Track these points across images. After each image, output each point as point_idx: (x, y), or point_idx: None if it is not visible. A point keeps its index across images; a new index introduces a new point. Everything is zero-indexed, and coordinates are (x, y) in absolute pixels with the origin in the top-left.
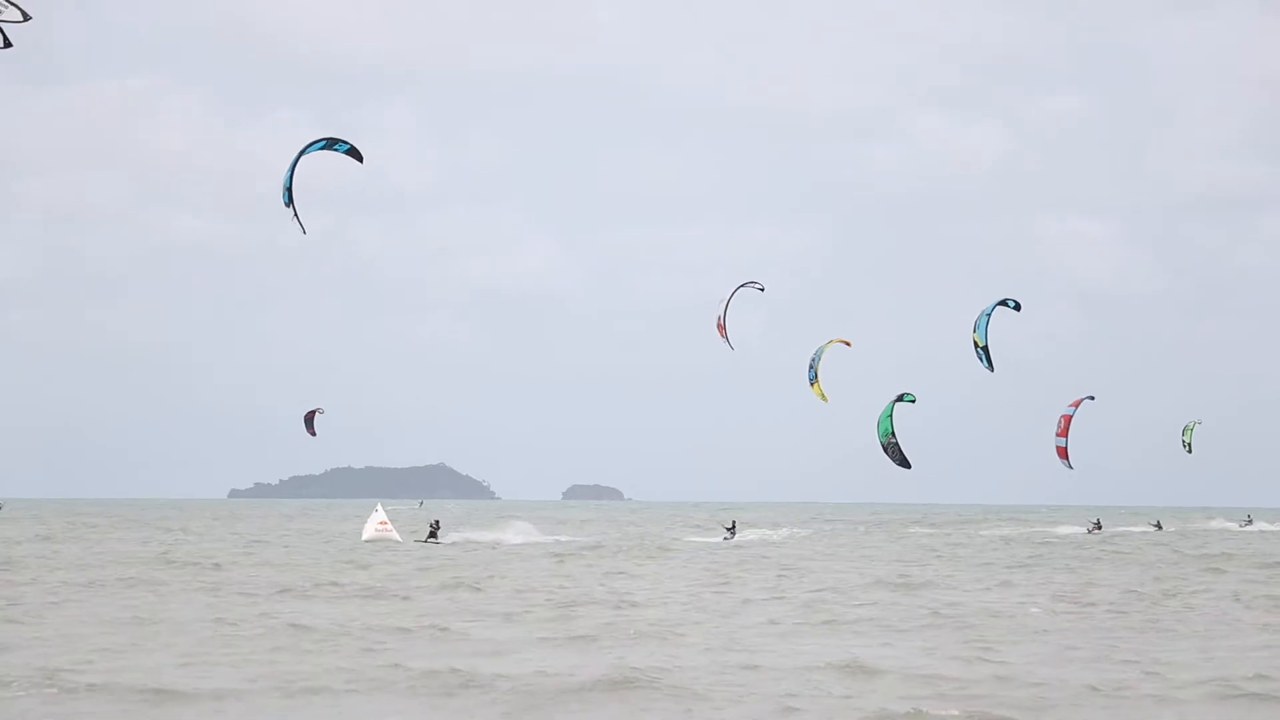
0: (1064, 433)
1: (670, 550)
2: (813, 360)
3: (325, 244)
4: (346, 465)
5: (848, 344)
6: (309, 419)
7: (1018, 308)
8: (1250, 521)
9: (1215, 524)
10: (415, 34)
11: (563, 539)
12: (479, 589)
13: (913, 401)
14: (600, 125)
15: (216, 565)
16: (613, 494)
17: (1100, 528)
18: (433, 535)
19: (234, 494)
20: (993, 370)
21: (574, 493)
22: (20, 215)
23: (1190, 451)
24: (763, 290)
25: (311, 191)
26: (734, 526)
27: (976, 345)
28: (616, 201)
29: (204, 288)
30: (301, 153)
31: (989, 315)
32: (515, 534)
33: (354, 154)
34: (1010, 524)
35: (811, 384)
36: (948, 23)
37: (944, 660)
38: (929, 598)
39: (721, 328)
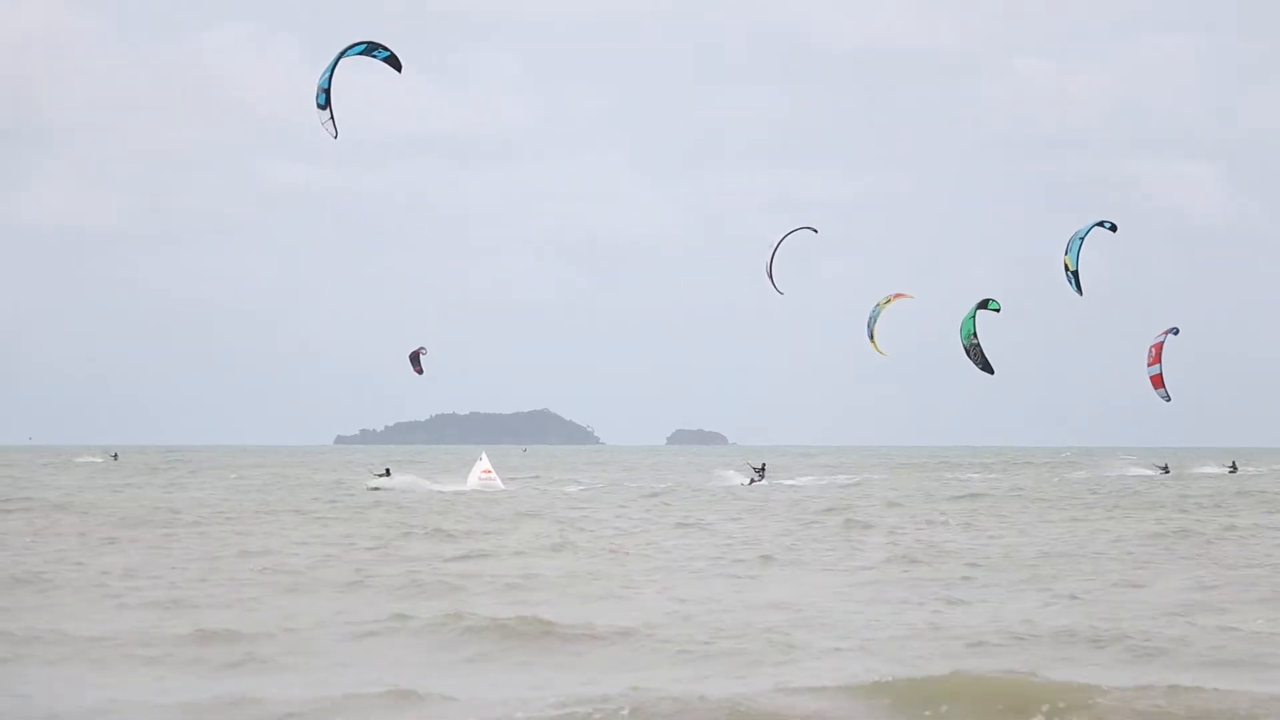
0: (1156, 360)
1: (660, 500)
2: (872, 316)
3: (425, 191)
4: (451, 411)
5: (909, 297)
6: (414, 357)
7: (1114, 229)
8: (1235, 469)
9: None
10: None
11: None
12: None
13: (997, 310)
14: (689, 69)
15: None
16: (717, 439)
17: (1168, 471)
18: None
19: (340, 440)
20: (1081, 294)
21: (678, 438)
22: (124, 162)
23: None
24: (816, 232)
25: (412, 137)
26: (763, 469)
27: (1067, 269)
28: (714, 143)
29: (308, 236)
30: (341, 55)
31: (1082, 239)
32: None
33: (392, 62)
34: (1069, 467)
35: (871, 340)
36: None
37: None
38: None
39: (770, 273)
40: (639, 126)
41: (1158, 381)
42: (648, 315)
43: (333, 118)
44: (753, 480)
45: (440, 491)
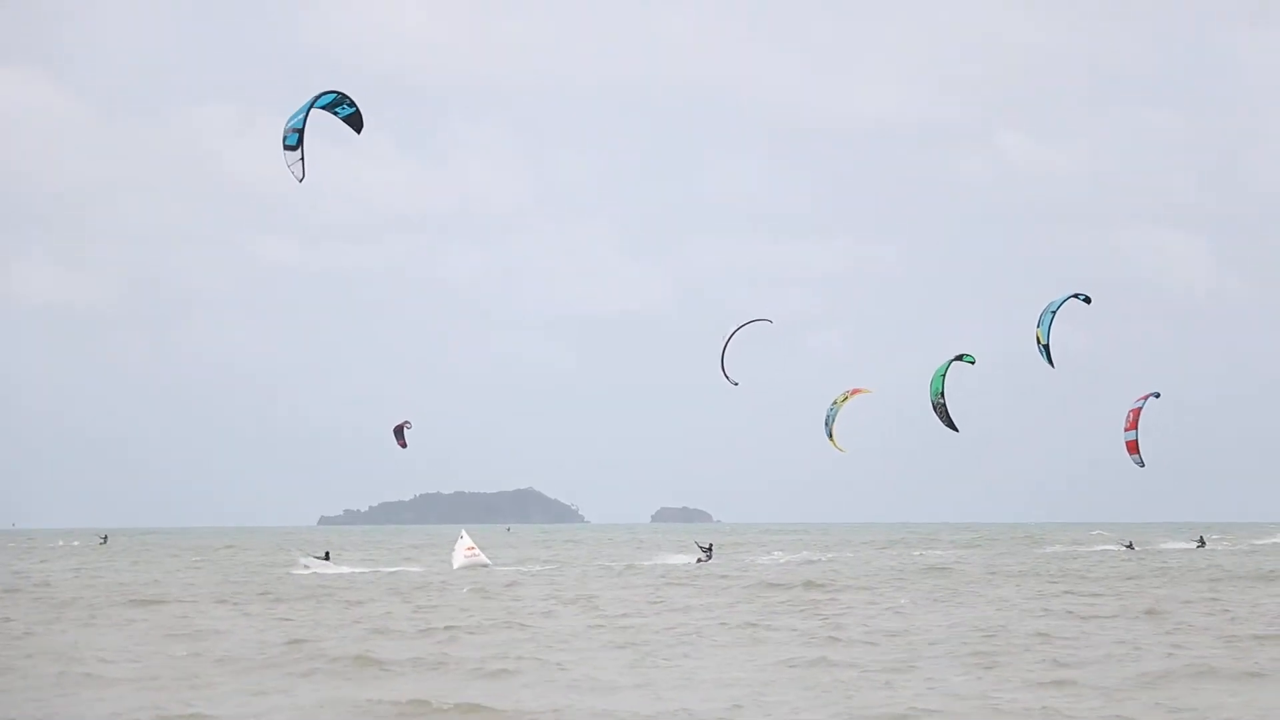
0: (1132, 426)
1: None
2: (830, 414)
3: (410, 267)
4: (435, 491)
5: (868, 392)
6: (399, 431)
7: (1088, 301)
8: (1203, 543)
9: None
10: (495, 52)
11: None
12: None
13: (972, 362)
14: (683, 141)
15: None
16: (702, 516)
17: (1132, 547)
18: (326, 557)
19: (324, 520)
20: (1053, 366)
21: (662, 515)
22: (110, 241)
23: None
24: (771, 323)
25: (398, 213)
26: (710, 548)
27: (1039, 342)
28: (701, 217)
29: (293, 314)
30: (313, 103)
31: (1054, 312)
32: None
33: (353, 121)
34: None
35: (829, 438)
36: (1029, 34)
37: None
38: None
39: (723, 365)
40: (624, 199)
41: (1133, 448)
42: (632, 391)
43: (302, 159)
44: (699, 560)
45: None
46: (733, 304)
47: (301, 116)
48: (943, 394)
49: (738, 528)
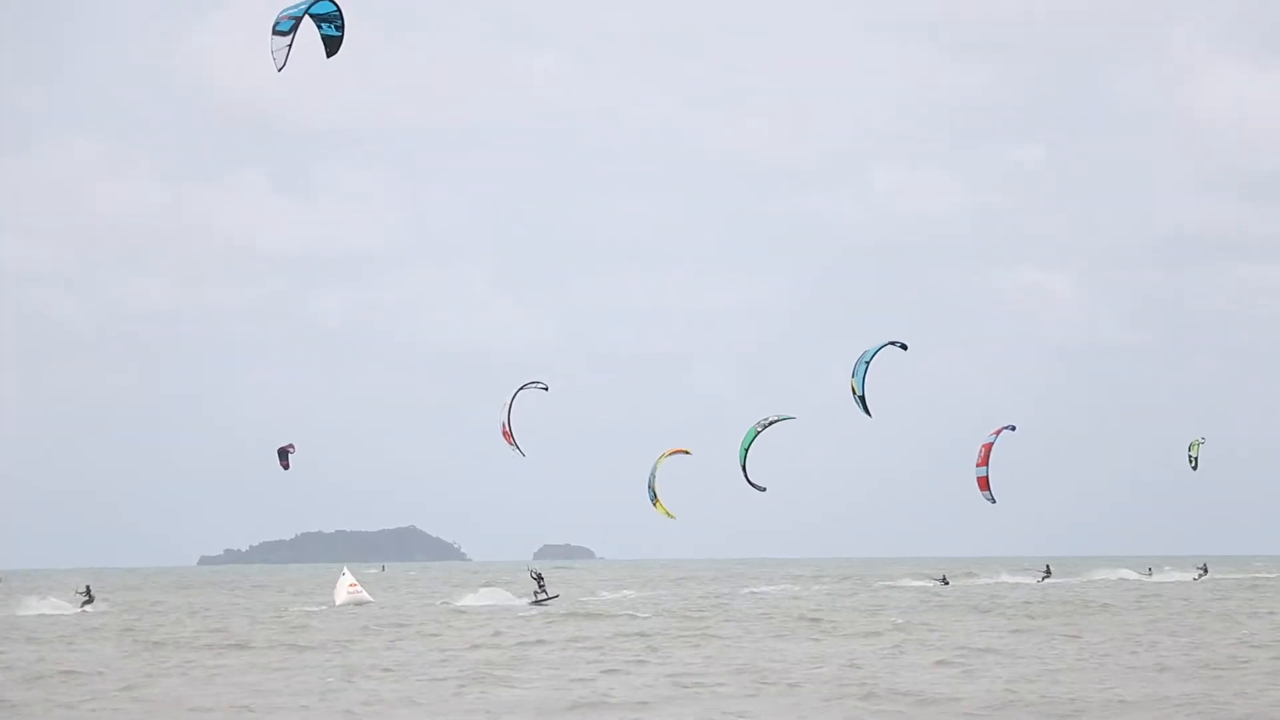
0: (984, 462)
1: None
2: (651, 475)
3: (285, 307)
4: (317, 530)
5: (688, 452)
6: (283, 453)
7: (904, 348)
8: (1150, 572)
9: (1118, 573)
10: (368, 91)
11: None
12: None
13: (791, 419)
14: (555, 179)
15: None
16: (584, 553)
17: (1049, 574)
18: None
19: (204, 560)
20: (870, 416)
21: (545, 553)
22: None
23: (1195, 468)
24: (546, 390)
25: (271, 254)
26: (540, 579)
27: (854, 392)
28: (579, 255)
29: (164, 353)
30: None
31: (868, 362)
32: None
33: (331, 44)
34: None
35: (654, 504)
36: (903, 75)
37: None
38: None
39: (508, 435)
40: (501, 238)
41: (983, 484)
42: (516, 428)
43: (289, 48)
44: (536, 594)
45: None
46: (612, 341)
47: (302, 8)
48: (745, 462)
49: (621, 565)
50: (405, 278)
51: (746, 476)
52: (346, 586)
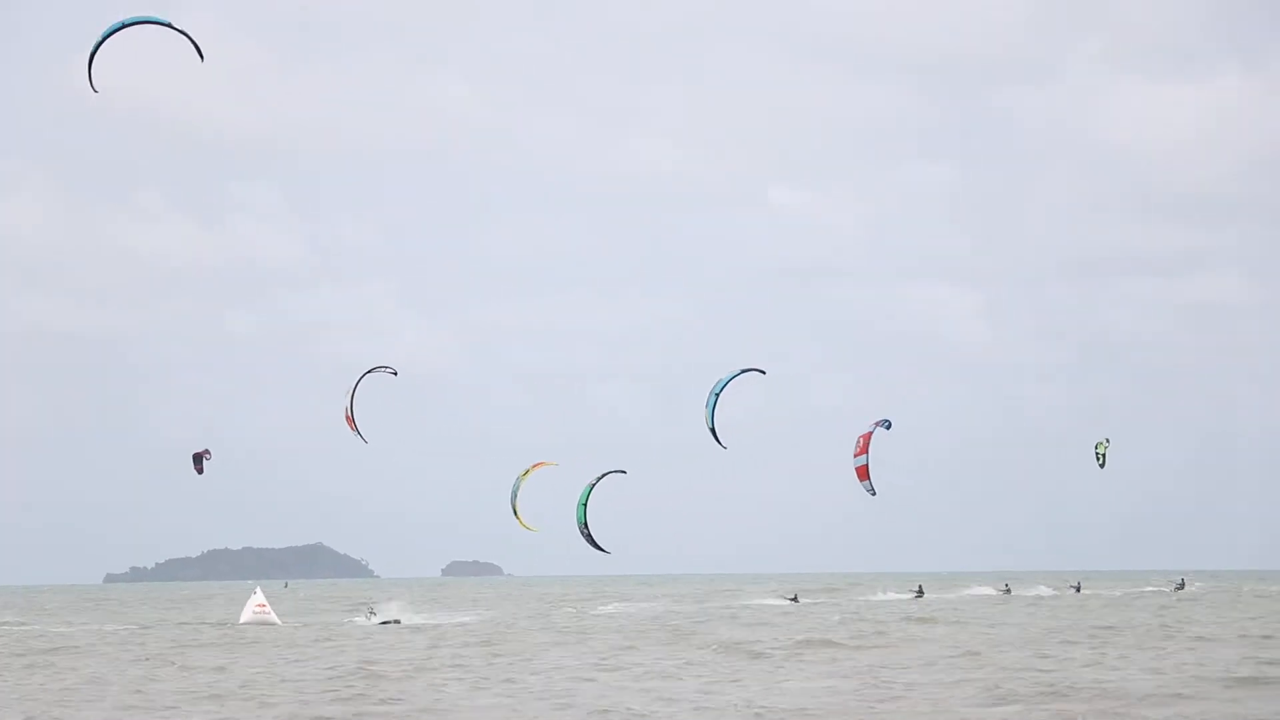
0: (863, 451)
1: None
2: (513, 489)
3: (190, 325)
4: (224, 547)
5: (553, 465)
6: (198, 458)
7: (763, 373)
8: (1008, 590)
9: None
10: (276, 112)
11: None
12: None
13: (623, 473)
14: (462, 200)
15: None
16: (492, 570)
17: (919, 593)
18: None
19: (110, 578)
20: (725, 448)
21: (454, 569)
22: None
23: (1103, 465)
24: (395, 374)
25: (174, 272)
26: (374, 608)
27: (707, 424)
28: (482, 274)
29: (68, 374)
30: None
31: (718, 394)
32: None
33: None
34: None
35: (515, 515)
36: (807, 95)
37: None
38: None
39: (350, 421)
40: (406, 258)
41: (862, 473)
42: (420, 446)
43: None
44: (373, 618)
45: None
46: (516, 358)
47: (114, 28)
48: (586, 523)
49: (528, 580)
50: (309, 295)
51: (590, 537)
52: (255, 606)
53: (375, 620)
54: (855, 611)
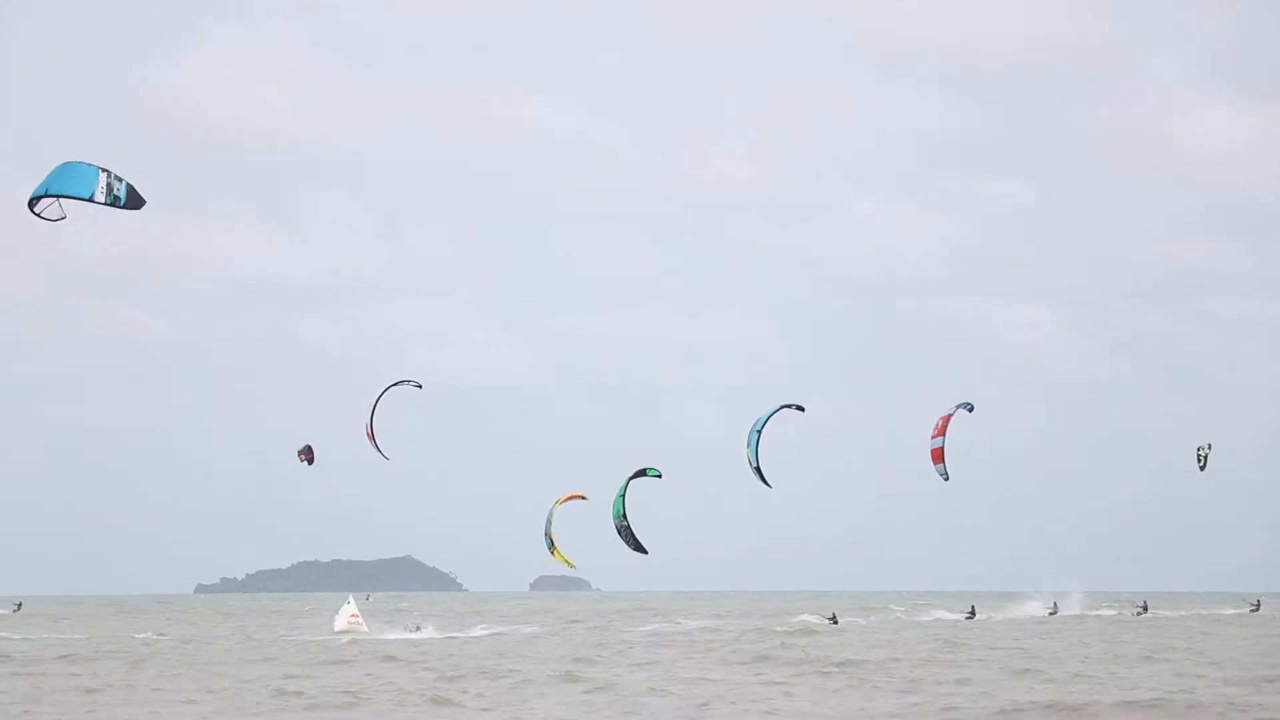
0: (941, 432)
1: None
2: (547, 522)
3: (276, 335)
4: (314, 559)
5: (584, 498)
6: (308, 452)
7: (801, 409)
8: (973, 613)
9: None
10: (353, 123)
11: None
12: None
13: (658, 476)
14: (542, 211)
15: None
16: (581, 584)
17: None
18: None
19: (200, 588)
20: (770, 487)
21: (541, 584)
22: None
23: (1204, 468)
24: (420, 388)
25: (255, 282)
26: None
27: (750, 463)
28: (562, 287)
29: (151, 382)
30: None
31: (759, 431)
32: None
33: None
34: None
35: (551, 552)
36: (885, 109)
37: None
38: None
39: (370, 436)
40: (485, 270)
41: (937, 456)
42: (507, 460)
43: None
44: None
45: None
46: (598, 373)
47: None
48: (625, 516)
49: (617, 595)
50: (391, 307)
51: (629, 531)
52: (349, 616)
53: (419, 634)
54: (952, 638)
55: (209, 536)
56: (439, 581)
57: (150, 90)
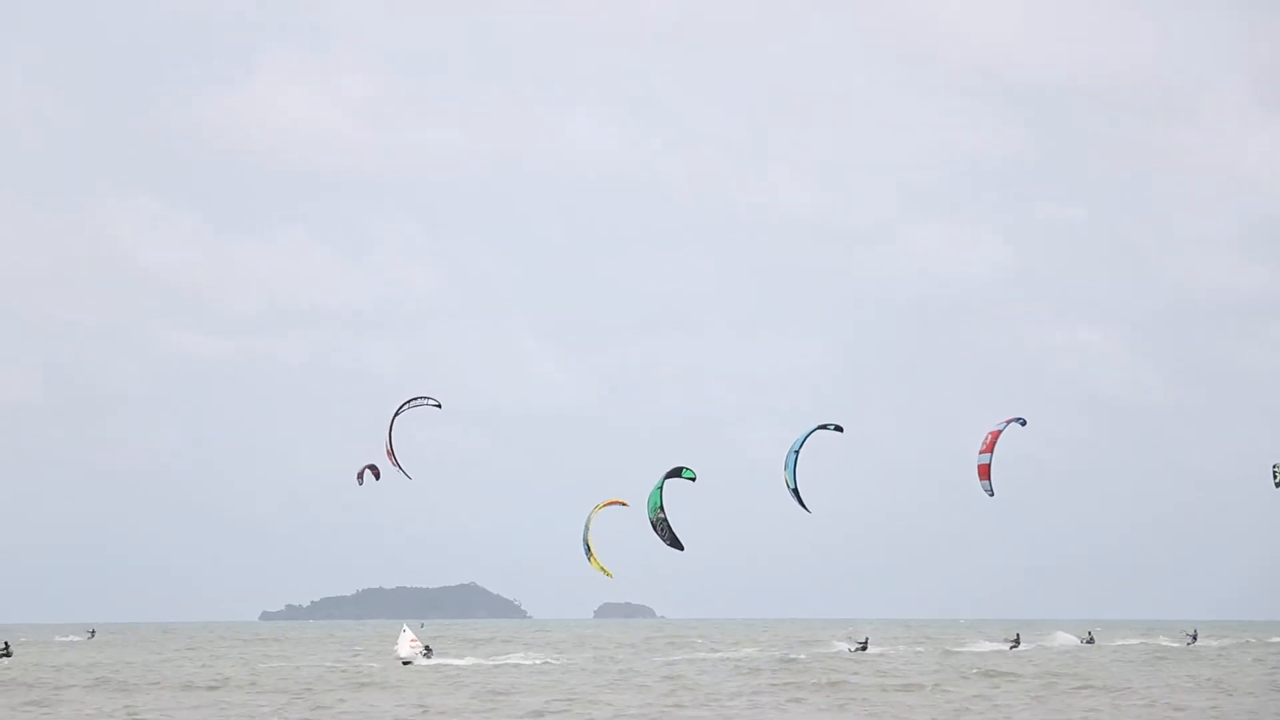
0: (989, 448)
1: None
2: (585, 528)
3: (329, 360)
4: (377, 586)
5: (624, 504)
6: (375, 470)
7: (840, 430)
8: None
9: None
10: (416, 148)
11: None
12: None
13: (692, 479)
14: (603, 235)
15: None
16: (645, 611)
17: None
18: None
19: (265, 616)
20: (809, 511)
21: (605, 611)
22: (22, 334)
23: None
24: (439, 406)
25: (314, 306)
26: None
27: (788, 486)
28: (622, 312)
29: (211, 407)
30: None
31: (797, 451)
32: None
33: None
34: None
35: (588, 557)
36: (942, 133)
37: None
38: None
39: (391, 454)
40: (544, 294)
41: (984, 472)
42: (570, 486)
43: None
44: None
45: None
46: (659, 399)
47: None
48: (661, 508)
49: (679, 623)
50: (450, 332)
51: (666, 525)
52: (409, 641)
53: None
54: (1048, 691)
55: (275, 563)
56: (503, 609)
57: (215, 116)
